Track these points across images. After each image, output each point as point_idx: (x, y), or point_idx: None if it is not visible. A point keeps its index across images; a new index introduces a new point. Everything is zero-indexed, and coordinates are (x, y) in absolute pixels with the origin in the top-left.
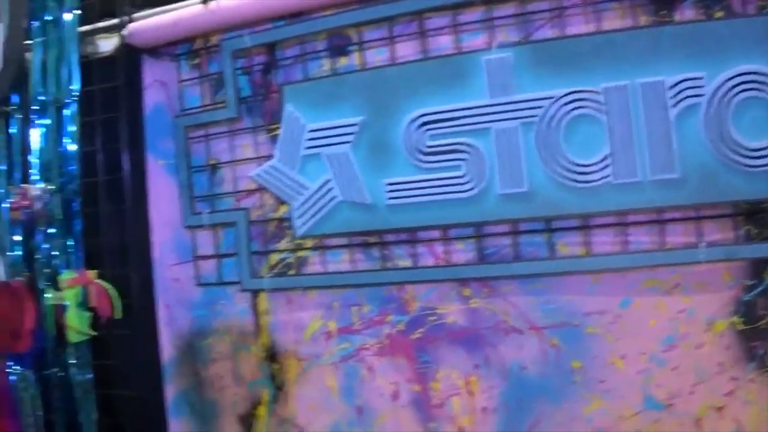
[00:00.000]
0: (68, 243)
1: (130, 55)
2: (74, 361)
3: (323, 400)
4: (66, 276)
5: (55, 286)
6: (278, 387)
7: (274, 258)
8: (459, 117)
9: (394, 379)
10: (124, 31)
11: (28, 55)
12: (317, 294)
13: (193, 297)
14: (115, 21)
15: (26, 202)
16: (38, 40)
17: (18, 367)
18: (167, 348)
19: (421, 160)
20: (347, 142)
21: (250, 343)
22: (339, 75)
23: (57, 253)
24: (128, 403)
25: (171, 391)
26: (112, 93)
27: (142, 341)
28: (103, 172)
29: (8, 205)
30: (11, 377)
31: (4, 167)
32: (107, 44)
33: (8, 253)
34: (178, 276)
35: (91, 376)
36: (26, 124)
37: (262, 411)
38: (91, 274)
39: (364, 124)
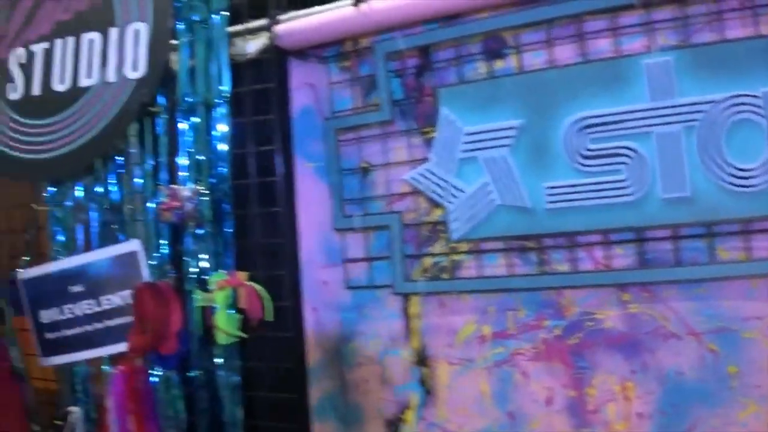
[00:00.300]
0: (218, 244)
1: (277, 57)
2: (221, 363)
3: (475, 404)
4: (216, 277)
5: (204, 287)
6: (427, 391)
7: (428, 261)
8: (620, 120)
9: (549, 384)
10: (271, 33)
11: (173, 56)
12: (472, 298)
13: (341, 300)
14: (261, 23)
15: (177, 203)
16: (185, 40)
17: (162, 369)
18: (313, 351)
19: (581, 164)
20: (506, 145)
21: (400, 347)
22: (496, 78)
23: (206, 254)
24: (272, 405)
25: (316, 394)
26: (257, 95)
27: (289, 343)
28: (251, 174)
29: (158, 206)
30: (154, 378)
31: (150, 167)
32: (251, 46)
33: (155, 254)
34: (326, 279)
35: (238, 378)
36: (173, 125)
37: (409, 415)
38: (242, 275)
39: (523, 128)
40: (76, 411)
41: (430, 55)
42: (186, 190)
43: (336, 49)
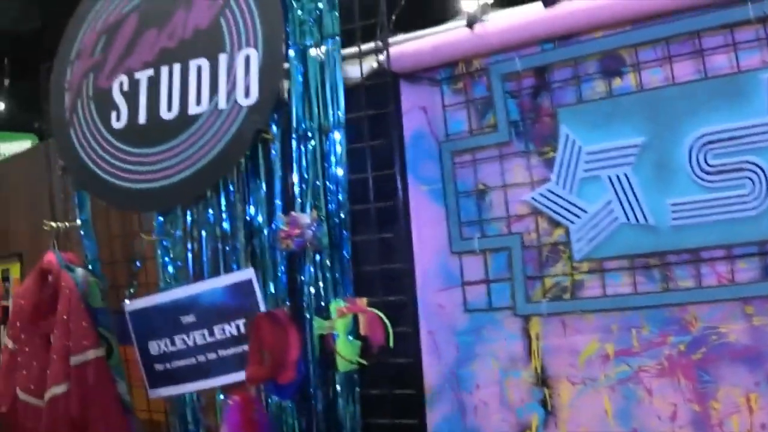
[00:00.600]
0: (335, 271)
1: (388, 81)
2: (341, 390)
3: (597, 423)
4: (337, 305)
5: (322, 314)
6: (549, 412)
7: (549, 282)
8: (742, 135)
9: (673, 399)
10: (382, 57)
11: (285, 82)
12: (594, 317)
13: (458, 323)
14: (370, 46)
15: (297, 231)
16: (297, 65)
17: (279, 398)
18: (430, 375)
19: (704, 180)
20: (628, 163)
21: (520, 369)
22: (615, 97)
23: (323, 281)
24: (389, 430)
25: (433, 419)
26: (368, 119)
27: (405, 369)
28: (365, 199)
29: (277, 234)
30: (270, 407)
31: (263, 195)
32: (357, 70)
33: (270, 282)
34: (442, 302)
35: (358, 405)
36: (286, 152)
37: None
38: (362, 302)
39: (645, 145)
40: None
41: (545, 74)
42: (305, 217)
43: (448, 71)
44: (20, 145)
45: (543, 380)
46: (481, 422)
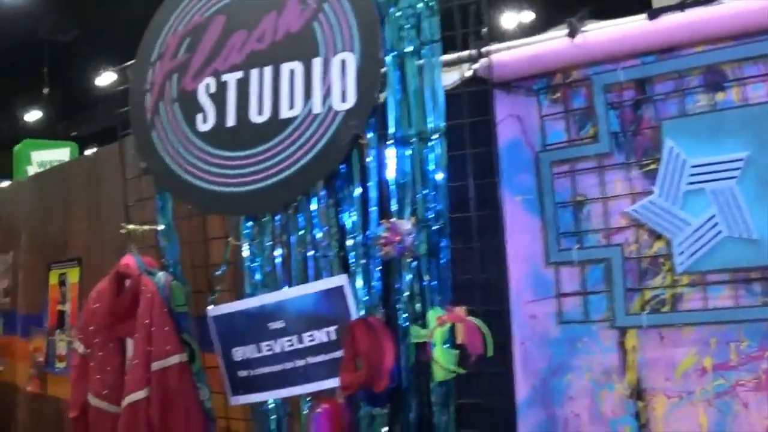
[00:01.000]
0: (433, 278)
1: (481, 89)
2: (436, 400)
3: None
4: (436, 313)
5: (418, 322)
6: (642, 425)
7: (648, 294)
8: None
9: None
10: (477, 65)
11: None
12: (693, 330)
13: (552, 334)
14: (464, 54)
15: (397, 237)
16: (394, 70)
17: (372, 406)
18: (521, 386)
19: None
20: (733, 177)
21: (614, 381)
22: (719, 110)
23: (420, 289)
24: None
25: (524, 430)
26: (461, 127)
27: (497, 379)
28: (460, 207)
29: (377, 240)
30: (362, 417)
31: (358, 201)
32: (452, 78)
33: (362, 289)
34: (535, 313)
35: (453, 415)
36: (382, 157)
37: None
38: (461, 310)
39: (749, 159)
40: None
41: (646, 86)
42: (406, 224)
43: (545, 80)
44: (60, 153)
45: (638, 393)
46: None
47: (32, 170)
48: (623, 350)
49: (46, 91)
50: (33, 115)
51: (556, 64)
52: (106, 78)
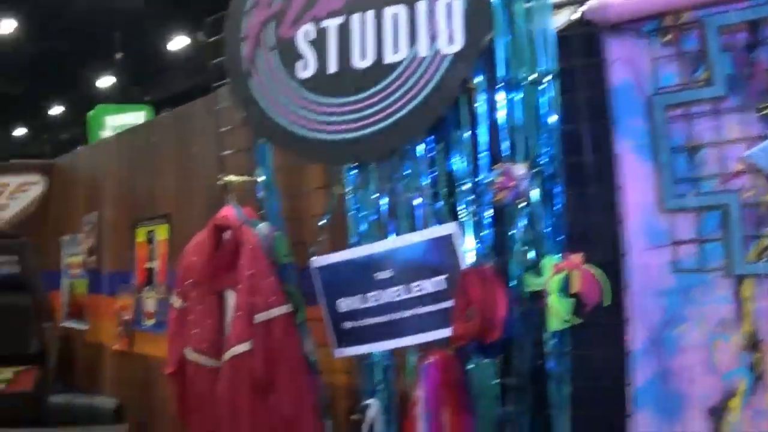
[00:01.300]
0: (547, 226)
1: (589, 32)
2: (551, 350)
3: None
4: (552, 261)
5: (532, 271)
6: (758, 377)
7: (765, 242)
8: None
9: None
10: (584, 8)
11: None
12: None
13: (665, 283)
14: None
15: (512, 182)
16: (502, 11)
17: (484, 358)
18: (634, 337)
19: None
20: None
21: (729, 332)
22: None
23: (534, 236)
24: (589, 394)
25: (636, 381)
26: (571, 71)
27: (610, 330)
28: (570, 152)
29: (492, 186)
30: (472, 368)
31: (468, 147)
32: (559, 20)
33: (473, 237)
34: (648, 262)
35: (568, 364)
36: (492, 102)
37: (735, 403)
38: (578, 257)
39: None
40: (374, 404)
41: (759, 28)
42: (521, 168)
43: (656, 23)
44: (135, 116)
45: (753, 344)
46: (684, 386)
47: (107, 135)
48: (739, 300)
49: (118, 56)
50: (106, 81)
51: (667, 6)
52: (178, 42)
